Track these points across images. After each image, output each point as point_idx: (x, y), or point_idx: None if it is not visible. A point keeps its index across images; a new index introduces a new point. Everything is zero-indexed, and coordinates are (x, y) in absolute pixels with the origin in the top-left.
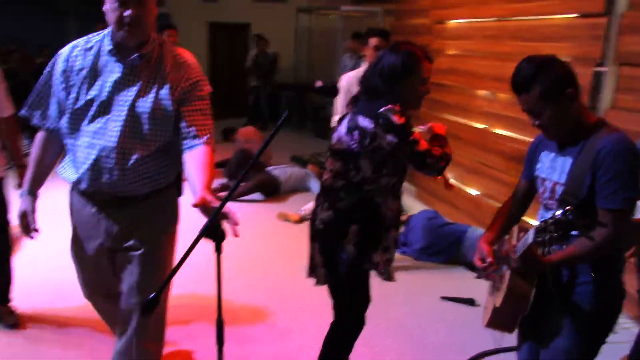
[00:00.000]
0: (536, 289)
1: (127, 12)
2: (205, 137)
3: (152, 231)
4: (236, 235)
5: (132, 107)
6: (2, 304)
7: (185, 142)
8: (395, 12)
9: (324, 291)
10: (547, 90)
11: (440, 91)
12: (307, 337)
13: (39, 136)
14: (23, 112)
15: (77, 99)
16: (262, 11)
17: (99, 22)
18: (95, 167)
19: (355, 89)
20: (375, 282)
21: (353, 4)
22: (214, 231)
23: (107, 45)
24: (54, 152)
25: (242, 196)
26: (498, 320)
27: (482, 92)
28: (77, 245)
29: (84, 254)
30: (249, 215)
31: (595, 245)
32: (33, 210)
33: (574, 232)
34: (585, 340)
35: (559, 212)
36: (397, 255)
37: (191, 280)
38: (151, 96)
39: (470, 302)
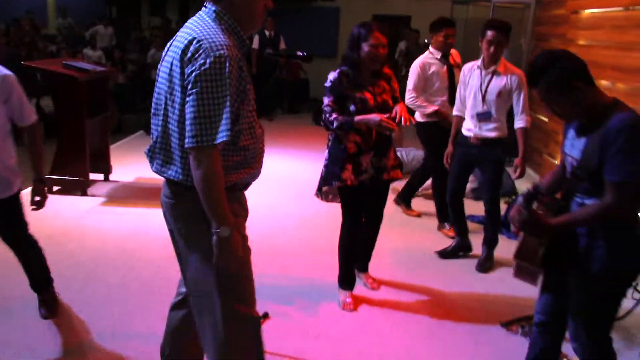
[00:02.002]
0: (557, 247)
1: None
2: None
3: None
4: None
5: None
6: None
7: None
8: (542, 3)
9: None
10: (553, 83)
11: None
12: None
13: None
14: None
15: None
16: (422, 4)
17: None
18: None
19: (467, 79)
20: None
21: None
22: None
23: None
24: None
25: None
26: (520, 273)
27: (603, 82)
28: None
29: None
30: None
31: (595, 212)
32: None
33: (588, 201)
34: (601, 298)
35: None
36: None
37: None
38: None
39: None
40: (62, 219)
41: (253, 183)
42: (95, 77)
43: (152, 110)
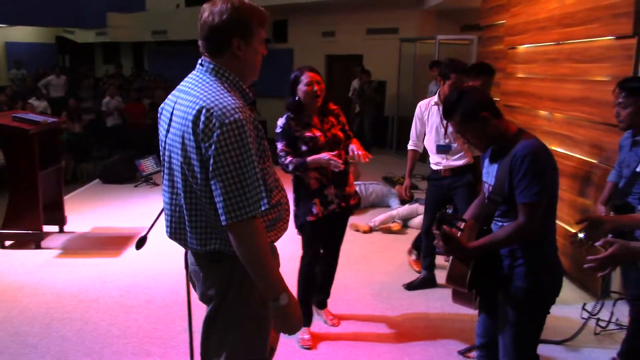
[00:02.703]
0: (483, 269)
1: None
2: None
3: None
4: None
5: None
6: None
7: None
8: (483, 40)
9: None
10: (464, 115)
11: (510, 112)
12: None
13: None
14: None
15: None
16: (373, 43)
17: None
18: None
19: (425, 117)
20: None
21: (461, 33)
22: None
23: None
24: None
25: None
26: (457, 297)
27: (542, 112)
28: None
29: None
30: None
31: (511, 233)
32: None
33: (506, 223)
34: (523, 316)
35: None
36: None
37: None
38: None
39: None
40: (16, 274)
41: None
42: (46, 129)
43: (165, 187)
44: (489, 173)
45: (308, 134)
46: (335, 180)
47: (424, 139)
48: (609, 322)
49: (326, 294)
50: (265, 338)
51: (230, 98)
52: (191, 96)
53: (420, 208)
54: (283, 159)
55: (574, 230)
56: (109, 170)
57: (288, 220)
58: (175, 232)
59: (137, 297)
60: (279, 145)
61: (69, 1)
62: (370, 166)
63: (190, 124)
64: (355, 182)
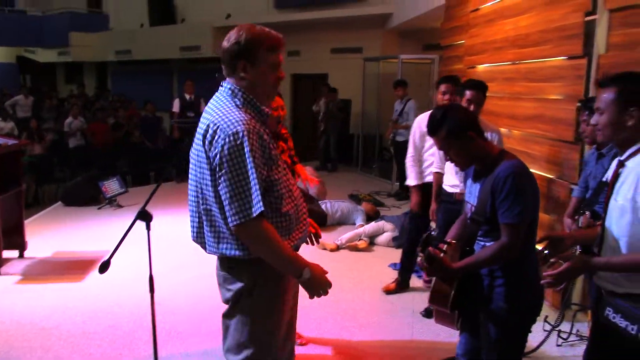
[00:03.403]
0: (465, 289)
1: None
2: None
3: None
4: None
5: None
6: None
7: None
8: (444, 59)
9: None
10: (450, 132)
11: None
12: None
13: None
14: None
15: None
16: (337, 62)
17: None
18: None
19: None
20: None
21: (423, 52)
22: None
23: None
24: None
25: None
26: (439, 318)
27: (501, 129)
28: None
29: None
30: None
31: (494, 253)
32: None
33: (488, 243)
34: (504, 335)
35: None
36: None
37: None
38: None
39: None
40: None
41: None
42: (7, 151)
43: (190, 195)
44: (472, 193)
45: None
46: None
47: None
48: (570, 333)
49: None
50: (276, 340)
51: (236, 113)
52: (207, 114)
53: (386, 225)
54: None
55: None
56: (71, 193)
57: (305, 227)
58: (198, 236)
59: (100, 323)
60: None
61: (30, 20)
62: (336, 184)
63: (201, 138)
64: (321, 201)
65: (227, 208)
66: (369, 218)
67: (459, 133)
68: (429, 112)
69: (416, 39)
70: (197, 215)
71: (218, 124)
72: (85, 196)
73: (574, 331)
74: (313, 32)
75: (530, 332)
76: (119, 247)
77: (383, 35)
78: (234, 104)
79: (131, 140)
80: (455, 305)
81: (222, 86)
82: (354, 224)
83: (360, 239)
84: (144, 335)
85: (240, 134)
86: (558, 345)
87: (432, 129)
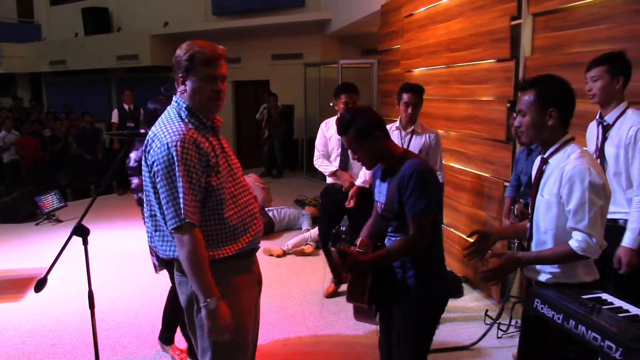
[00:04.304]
0: (380, 283)
1: None
2: None
3: None
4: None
5: None
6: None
7: None
8: (382, 63)
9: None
10: (358, 131)
11: None
12: None
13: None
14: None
15: None
16: (278, 68)
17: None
18: None
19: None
20: None
21: (362, 57)
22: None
23: None
24: None
25: None
26: (359, 314)
27: (439, 131)
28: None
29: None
30: None
31: (402, 245)
32: None
33: (397, 238)
34: (416, 325)
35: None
36: None
37: None
38: None
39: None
40: None
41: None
42: None
43: (144, 202)
44: (380, 192)
45: None
46: None
47: None
48: (509, 325)
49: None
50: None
51: (175, 125)
52: (154, 126)
53: None
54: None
55: (470, 240)
56: (7, 209)
57: (255, 233)
58: (152, 240)
59: (41, 341)
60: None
61: None
62: (281, 189)
63: (145, 148)
64: (267, 208)
65: (165, 213)
66: (315, 222)
67: (366, 132)
68: (391, 124)
69: (355, 44)
70: (149, 220)
71: (156, 134)
72: (22, 212)
73: (512, 323)
74: (253, 39)
75: (439, 323)
76: (55, 264)
77: (323, 41)
78: (177, 116)
79: (70, 153)
80: (371, 301)
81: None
82: (301, 228)
83: (306, 244)
84: (86, 352)
85: (172, 144)
86: (498, 338)
87: (342, 129)
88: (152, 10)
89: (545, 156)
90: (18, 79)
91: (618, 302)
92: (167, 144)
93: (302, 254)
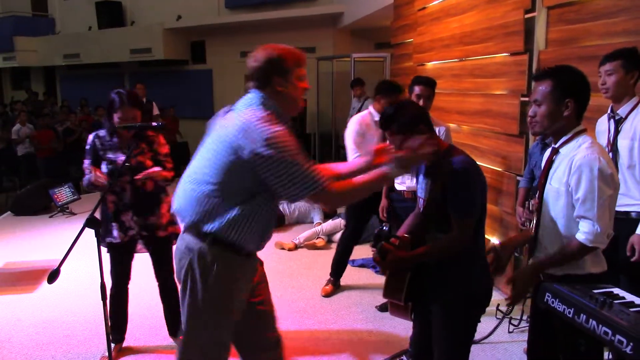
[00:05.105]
0: (417, 281)
1: None
2: None
3: None
4: None
5: None
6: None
7: None
8: (394, 57)
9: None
10: (402, 125)
11: None
12: None
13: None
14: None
15: None
16: None
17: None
18: None
19: (365, 131)
20: None
21: (374, 51)
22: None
23: None
24: None
25: None
26: (394, 310)
27: (451, 125)
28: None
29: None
30: None
31: (444, 245)
32: None
33: (440, 235)
34: (457, 323)
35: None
36: None
37: None
38: None
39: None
40: None
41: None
42: None
43: (185, 176)
44: (423, 188)
45: (111, 155)
46: (135, 207)
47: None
48: (521, 319)
49: (176, 322)
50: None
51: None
52: (238, 117)
53: (343, 222)
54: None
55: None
56: (21, 202)
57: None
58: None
59: (54, 332)
60: (85, 162)
61: None
62: None
63: (232, 137)
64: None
65: (291, 189)
66: (327, 216)
67: (410, 126)
68: (365, 113)
69: (368, 38)
70: (188, 192)
71: (247, 127)
72: (36, 205)
73: (524, 318)
74: (265, 33)
75: (479, 321)
76: (67, 255)
77: (335, 35)
78: (265, 113)
79: (83, 146)
80: (408, 297)
81: (251, 92)
82: (312, 222)
83: (318, 237)
84: (99, 342)
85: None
86: (510, 332)
87: (384, 123)
88: (165, 3)
89: (556, 146)
90: (32, 73)
91: (630, 297)
92: (272, 132)
93: (314, 247)
